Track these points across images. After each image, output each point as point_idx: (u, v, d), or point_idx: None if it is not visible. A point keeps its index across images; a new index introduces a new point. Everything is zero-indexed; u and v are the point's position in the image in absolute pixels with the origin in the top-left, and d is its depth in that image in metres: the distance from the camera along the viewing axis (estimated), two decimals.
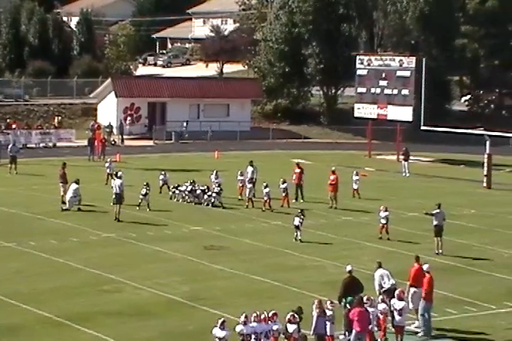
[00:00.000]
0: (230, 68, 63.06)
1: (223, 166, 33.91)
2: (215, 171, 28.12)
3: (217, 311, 15.77)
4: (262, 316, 13.37)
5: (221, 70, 62.53)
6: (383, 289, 15.83)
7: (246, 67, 58.57)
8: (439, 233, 21.36)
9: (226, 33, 64.75)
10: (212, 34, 64.50)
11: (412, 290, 15.94)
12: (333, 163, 34.99)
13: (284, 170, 32.54)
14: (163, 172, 28.65)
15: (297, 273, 18.99)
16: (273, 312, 13.64)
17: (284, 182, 26.50)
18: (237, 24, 66.71)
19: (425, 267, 16.03)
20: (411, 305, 15.75)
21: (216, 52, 61.89)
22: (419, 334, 15.42)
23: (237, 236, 22.52)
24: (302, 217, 22.27)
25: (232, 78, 55.78)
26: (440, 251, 21.16)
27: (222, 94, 48.61)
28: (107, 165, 30.06)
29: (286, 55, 51.79)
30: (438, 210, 21.55)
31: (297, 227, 22.16)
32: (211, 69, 62.88)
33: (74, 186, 25.33)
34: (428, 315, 15.46)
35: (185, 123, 46.31)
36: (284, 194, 26.40)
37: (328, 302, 14.47)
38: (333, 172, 27.40)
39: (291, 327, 13.36)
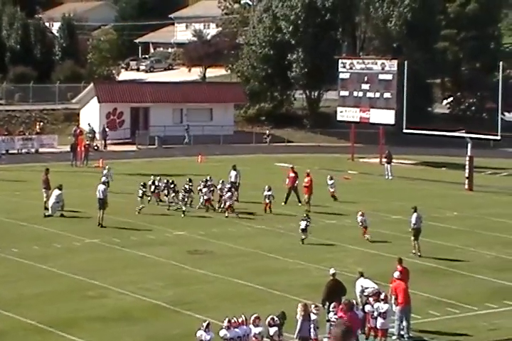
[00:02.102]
0: (212, 72, 63.10)
1: (207, 170, 33.89)
2: (208, 177, 27.58)
3: (201, 315, 15.77)
4: (240, 320, 13.39)
5: (204, 75, 62.54)
6: (365, 294, 15.90)
7: (229, 71, 58.68)
8: (418, 236, 21.40)
9: (209, 37, 64.80)
10: (195, 38, 64.52)
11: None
12: (317, 166, 35.13)
13: (268, 174, 32.61)
14: (158, 178, 27.82)
15: (281, 277, 19.03)
16: (255, 315, 13.68)
17: (269, 189, 26.23)
18: (220, 28, 66.82)
19: (396, 275, 16.10)
20: (394, 308, 15.83)
21: (199, 57, 61.90)
22: (394, 337, 15.51)
23: (220, 241, 22.53)
24: (308, 220, 22.50)
25: (215, 82, 55.84)
26: (419, 253, 21.17)
27: (205, 99, 48.65)
28: (104, 172, 28.77)
29: (270, 59, 51.96)
30: (415, 214, 21.63)
31: (303, 230, 22.41)
32: (194, 74, 62.87)
33: (56, 192, 25.22)
34: (400, 319, 15.51)
35: (186, 128, 46.10)
36: (267, 200, 26.18)
37: (313, 306, 14.50)
38: (308, 175, 27.55)
39: (272, 330, 13.40)
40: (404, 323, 15.50)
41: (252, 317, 13.56)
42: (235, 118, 50.67)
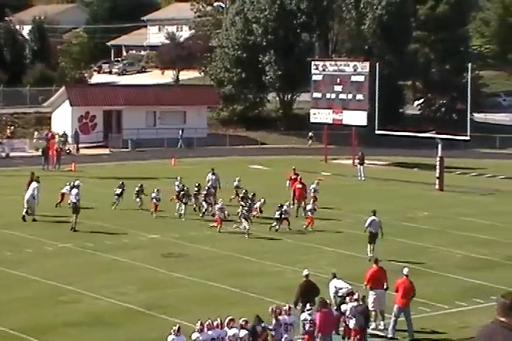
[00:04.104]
0: (186, 75, 63.02)
1: (180, 173, 33.86)
2: (178, 177, 27.43)
3: (176, 319, 15.76)
4: (215, 323, 13.40)
5: (177, 77, 62.42)
6: (339, 294, 16.02)
7: (202, 73, 58.65)
8: (373, 239, 21.02)
9: (181, 39, 64.70)
10: (168, 41, 64.37)
11: (372, 292, 16.18)
12: (290, 168, 35.23)
13: (242, 176, 32.56)
14: (178, 178, 26.98)
15: (256, 279, 19.07)
16: (230, 317, 13.71)
17: (313, 202, 25.13)
18: (193, 31, 66.74)
19: (405, 271, 16.12)
20: (371, 307, 15.93)
21: (172, 59, 61.78)
22: (389, 336, 15.61)
23: (195, 244, 22.52)
24: (283, 210, 23.60)
25: (188, 85, 55.77)
26: (371, 255, 20.57)
27: (179, 101, 48.57)
28: (153, 195, 26.03)
29: (243, 62, 52.04)
30: (374, 217, 21.29)
31: (278, 219, 23.55)
32: (167, 77, 62.74)
33: (34, 184, 24.98)
34: (397, 316, 15.62)
35: (180, 131, 45.81)
36: (310, 214, 24.53)
37: (286, 307, 14.54)
38: (301, 182, 27.39)
39: (242, 333, 13.43)
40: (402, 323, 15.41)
41: (227, 320, 13.60)
42: (209, 121, 50.67)
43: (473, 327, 15.84)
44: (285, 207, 24.24)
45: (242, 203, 25.00)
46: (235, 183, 28.37)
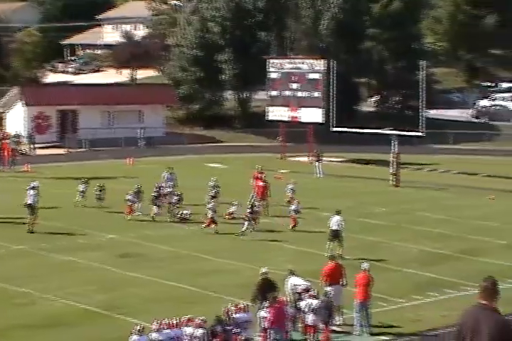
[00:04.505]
0: (142, 74, 62.57)
1: (137, 173, 33.69)
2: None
3: (134, 319, 15.70)
4: (172, 322, 13.41)
5: (134, 76, 61.92)
6: (296, 291, 16.14)
7: (160, 72, 58.29)
8: (334, 237, 21.15)
9: (137, 38, 64.17)
10: (124, 40, 63.76)
11: (329, 288, 16.36)
12: (248, 166, 35.37)
13: (198, 175, 32.64)
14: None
15: (214, 278, 19.09)
16: (188, 316, 13.73)
17: (297, 202, 24.90)
18: (149, 29, 66.26)
19: (365, 266, 16.24)
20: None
21: (127, 59, 61.26)
22: (357, 333, 15.76)
23: (153, 243, 22.43)
24: (254, 210, 23.44)
25: (145, 84, 55.41)
26: (334, 253, 20.34)
27: (135, 101, 48.22)
28: (129, 197, 25.44)
29: (200, 61, 51.93)
30: (335, 217, 21.37)
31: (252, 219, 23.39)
32: (123, 76, 62.19)
33: None
34: (360, 311, 15.81)
35: (140, 130, 45.16)
36: (295, 214, 24.33)
37: (243, 304, 14.60)
38: (263, 180, 27.44)
39: (199, 332, 13.47)
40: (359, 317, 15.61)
41: (184, 319, 13.62)
42: (167, 120, 50.43)
43: (427, 321, 16.22)
44: (256, 207, 23.99)
45: (209, 201, 24.83)
46: (211, 183, 27.71)
